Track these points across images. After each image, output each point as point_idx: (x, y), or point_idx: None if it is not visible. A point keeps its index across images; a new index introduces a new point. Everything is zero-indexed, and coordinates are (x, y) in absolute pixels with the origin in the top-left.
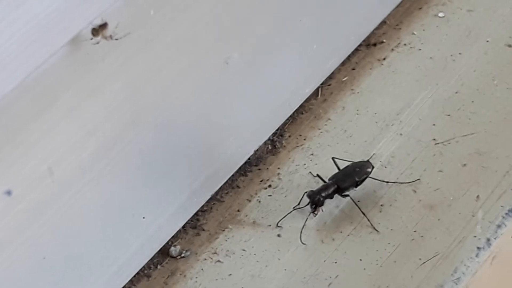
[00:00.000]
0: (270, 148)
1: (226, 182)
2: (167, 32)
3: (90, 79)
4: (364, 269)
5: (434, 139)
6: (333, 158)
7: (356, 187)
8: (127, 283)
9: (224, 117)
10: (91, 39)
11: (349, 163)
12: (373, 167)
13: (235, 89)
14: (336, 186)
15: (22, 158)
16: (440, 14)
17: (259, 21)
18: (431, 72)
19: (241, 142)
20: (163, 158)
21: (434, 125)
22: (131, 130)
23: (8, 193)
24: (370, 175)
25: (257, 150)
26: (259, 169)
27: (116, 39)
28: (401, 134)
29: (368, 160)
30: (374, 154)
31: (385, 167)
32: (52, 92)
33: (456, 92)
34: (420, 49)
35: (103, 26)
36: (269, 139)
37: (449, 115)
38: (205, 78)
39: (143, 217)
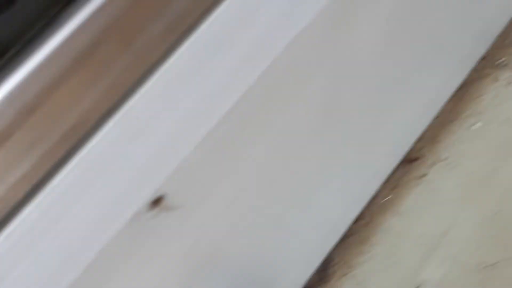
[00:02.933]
0: (319, 276)
1: None
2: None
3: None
4: None
5: (480, 263)
6: None
7: None
8: None
9: (276, 253)
10: (149, 211)
11: None
12: None
13: (285, 221)
14: None
15: None
16: (476, 126)
17: (304, 161)
18: (471, 189)
19: (292, 273)
20: None
21: (479, 246)
22: (195, 277)
23: None
24: None
25: (307, 280)
26: None
27: (172, 210)
28: (446, 258)
29: None
30: (423, 280)
31: None
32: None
33: (499, 210)
34: (458, 164)
35: (159, 199)
36: (318, 268)
37: (493, 235)
38: (256, 224)
39: None
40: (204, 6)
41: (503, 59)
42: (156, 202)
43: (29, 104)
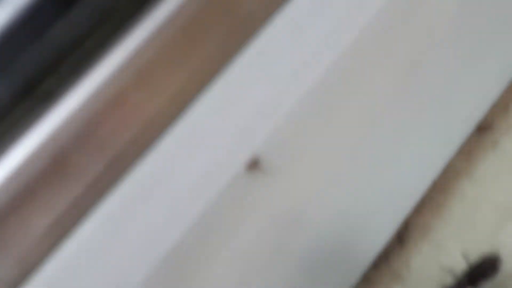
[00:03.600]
0: (397, 239)
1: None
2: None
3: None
4: None
5: None
6: (463, 254)
7: (486, 281)
8: None
9: (356, 218)
10: (245, 174)
11: (478, 257)
12: (501, 262)
13: (366, 187)
14: (468, 282)
15: None
16: None
17: (385, 129)
18: None
19: (372, 236)
20: (306, 264)
21: None
22: (282, 239)
23: None
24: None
25: (386, 243)
26: (389, 262)
27: (268, 173)
28: None
29: (497, 255)
30: (499, 244)
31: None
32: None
33: None
34: None
35: (256, 162)
36: (396, 231)
37: None
38: (340, 190)
39: None
40: None
41: None
42: (252, 165)
43: None
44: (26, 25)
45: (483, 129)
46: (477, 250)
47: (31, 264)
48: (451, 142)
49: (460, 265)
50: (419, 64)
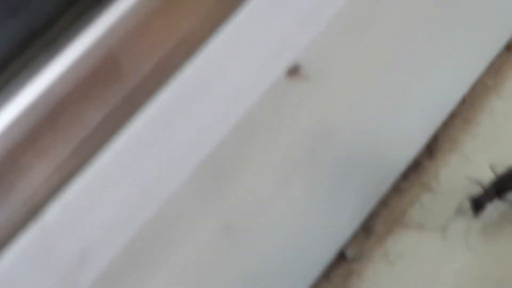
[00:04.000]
0: (426, 152)
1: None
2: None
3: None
4: None
5: None
6: (490, 165)
7: None
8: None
9: (387, 131)
10: (285, 80)
11: (506, 168)
12: None
13: (398, 100)
14: (496, 191)
15: None
16: None
17: (414, 37)
18: None
19: (402, 147)
20: (339, 172)
21: None
22: (316, 148)
23: None
24: None
25: (416, 154)
26: (419, 173)
27: (309, 80)
28: None
29: None
30: None
31: None
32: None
33: None
34: None
35: (297, 69)
36: (426, 144)
37: None
38: (374, 102)
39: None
40: None
41: None
42: (293, 71)
43: None
44: None
45: None
46: (504, 163)
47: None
48: (480, 59)
49: (487, 177)
50: None
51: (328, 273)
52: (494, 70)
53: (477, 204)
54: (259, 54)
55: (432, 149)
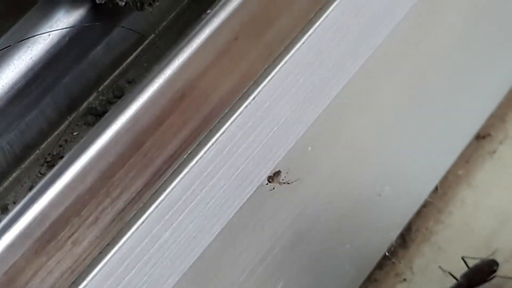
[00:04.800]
0: (401, 242)
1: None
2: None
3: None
4: None
5: None
6: (462, 258)
7: (484, 283)
8: None
9: (363, 218)
10: (267, 184)
11: (477, 261)
12: (498, 265)
13: (372, 192)
14: (467, 284)
15: None
16: None
17: (392, 135)
18: None
19: (377, 238)
20: (318, 264)
21: None
22: (295, 244)
23: None
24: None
25: (390, 244)
26: (393, 263)
27: (288, 183)
28: None
29: (494, 259)
30: (496, 249)
31: (508, 261)
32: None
33: None
34: None
35: (277, 173)
36: (399, 233)
37: None
38: (349, 203)
39: None
40: None
41: None
42: (274, 176)
43: None
44: None
45: (482, 137)
46: (476, 254)
47: None
48: (452, 150)
49: (460, 268)
50: (424, 80)
51: None
52: (464, 159)
53: None
54: (247, 163)
55: (406, 239)
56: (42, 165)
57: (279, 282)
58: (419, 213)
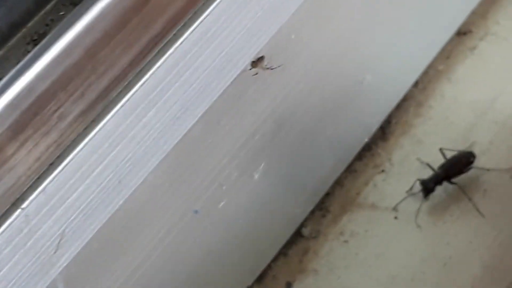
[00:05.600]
0: (380, 134)
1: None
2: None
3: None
4: (474, 250)
5: None
6: (440, 149)
7: (461, 174)
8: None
9: (343, 110)
10: (250, 69)
11: (455, 152)
12: (475, 157)
13: (352, 83)
14: (444, 174)
15: None
16: None
17: (368, 21)
18: None
19: (357, 130)
20: (297, 155)
21: None
22: (276, 132)
23: None
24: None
25: (370, 137)
26: (373, 155)
27: (271, 69)
28: (496, 122)
29: (471, 151)
30: (474, 141)
31: (484, 153)
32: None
33: None
34: (506, 38)
35: (260, 59)
36: (379, 126)
37: None
38: (332, 88)
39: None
40: None
41: None
42: (257, 61)
43: None
44: None
45: (463, 34)
46: (453, 147)
47: None
48: (432, 44)
49: (438, 160)
50: None
51: (286, 251)
52: (445, 55)
53: (427, 187)
54: (230, 47)
55: (385, 131)
56: (28, 43)
57: (258, 168)
58: (399, 107)
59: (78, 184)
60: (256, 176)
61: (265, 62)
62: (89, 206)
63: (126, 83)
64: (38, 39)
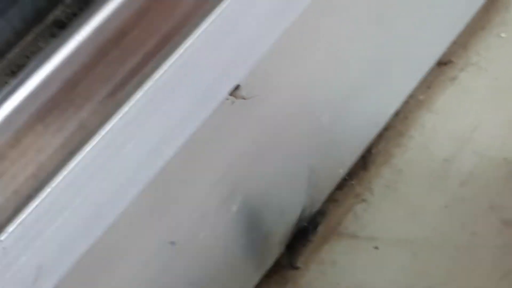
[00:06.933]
0: (361, 163)
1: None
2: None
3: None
4: (454, 280)
5: (506, 158)
6: None
7: None
8: None
9: (326, 139)
10: (227, 99)
11: None
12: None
13: (335, 112)
14: None
15: None
16: (502, 35)
17: (352, 53)
18: (499, 91)
19: (339, 159)
20: (280, 186)
21: (504, 144)
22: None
23: None
24: None
25: (351, 166)
26: (353, 184)
27: (246, 99)
28: (475, 152)
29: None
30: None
31: (463, 185)
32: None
33: None
34: (487, 69)
35: (237, 88)
36: (360, 155)
37: None
38: (311, 116)
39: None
40: None
41: None
42: (234, 90)
43: None
44: None
45: (444, 64)
46: (433, 176)
47: None
48: (413, 75)
49: (418, 190)
50: (387, 3)
51: (265, 280)
52: (426, 85)
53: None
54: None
55: (366, 161)
56: (7, 75)
57: (237, 200)
58: (380, 136)
59: (57, 216)
60: (234, 208)
61: (241, 92)
62: (67, 238)
63: (104, 115)
64: (18, 71)
